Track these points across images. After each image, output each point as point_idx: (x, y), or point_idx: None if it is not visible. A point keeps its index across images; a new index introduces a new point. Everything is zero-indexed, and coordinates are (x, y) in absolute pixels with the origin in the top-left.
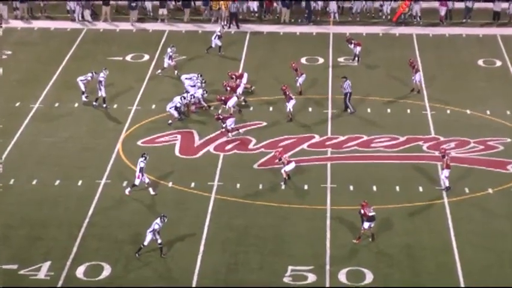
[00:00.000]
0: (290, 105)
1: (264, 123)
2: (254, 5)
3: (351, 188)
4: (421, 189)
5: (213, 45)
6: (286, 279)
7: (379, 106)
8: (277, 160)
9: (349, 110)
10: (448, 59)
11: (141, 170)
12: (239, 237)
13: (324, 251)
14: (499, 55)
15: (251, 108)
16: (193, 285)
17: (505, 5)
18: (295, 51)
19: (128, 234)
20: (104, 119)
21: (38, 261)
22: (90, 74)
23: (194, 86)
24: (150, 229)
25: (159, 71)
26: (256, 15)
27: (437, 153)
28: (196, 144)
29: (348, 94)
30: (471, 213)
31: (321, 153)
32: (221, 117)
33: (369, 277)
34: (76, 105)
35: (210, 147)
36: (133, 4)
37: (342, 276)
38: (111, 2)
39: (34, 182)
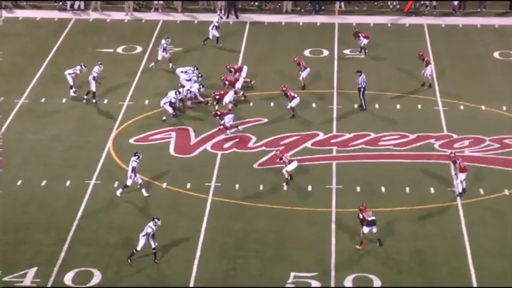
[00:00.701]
0: (293, 103)
1: (265, 120)
2: None
3: (358, 189)
4: (432, 190)
5: (211, 36)
6: (288, 286)
7: (388, 102)
8: (278, 160)
9: (362, 106)
10: (462, 51)
11: (133, 169)
12: (238, 241)
13: (329, 256)
14: None
15: (251, 104)
16: None
17: None
18: (298, 42)
19: (119, 238)
20: (93, 115)
21: (23, 267)
22: (78, 67)
23: (190, 80)
24: (143, 233)
25: (153, 63)
26: (257, 4)
27: (449, 152)
28: (192, 142)
29: (362, 89)
30: (486, 216)
31: (326, 151)
32: (219, 113)
33: (377, 284)
34: (64, 100)
35: (207, 146)
36: None
37: (348, 283)
38: None
39: (19, 183)
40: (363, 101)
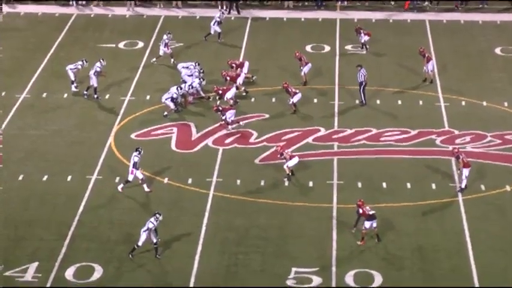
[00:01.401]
0: (295, 99)
1: (266, 116)
2: None
3: (359, 184)
4: (434, 186)
5: (212, 32)
6: (289, 282)
7: (390, 97)
8: (278, 155)
9: (362, 101)
10: (463, 47)
11: (134, 165)
12: (239, 237)
13: (330, 252)
14: None
15: (252, 100)
16: None
17: None
18: (299, 38)
19: (121, 233)
20: (95, 111)
21: (24, 262)
22: (80, 62)
23: (191, 75)
24: (144, 228)
25: (154, 59)
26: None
27: (451, 148)
28: (193, 138)
29: (363, 84)
30: (487, 212)
31: (327, 147)
32: (220, 108)
33: (378, 280)
34: (65, 95)
35: (209, 141)
36: None
37: (349, 279)
38: None
39: (20, 178)
40: (363, 97)
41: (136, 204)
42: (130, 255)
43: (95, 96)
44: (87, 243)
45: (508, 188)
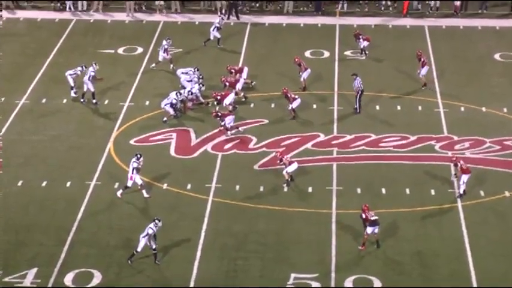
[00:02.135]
0: (294, 105)
1: (266, 121)
2: None
3: (358, 190)
4: (433, 192)
5: (212, 38)
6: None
7: (389, 103)
8: (278, 161)
9: (356, 109)
10: (463, 52)
11: (134, 170)
12: (238, 243)
13: (329, 258)
14: None
15: (252, 105)
16: None
17: None
18: (299, 43)
19: (120, 239)
20: (94, 116)
21: (23, 268)
22: (79, 68)
23: (191, 81)
24: (144, 234)
25: (153, 64)
26: (258, 5)
27: (450, 154)
28: (192, 143)
29: (360, 92)
30: (486, 217)
31: (326, 153)
32: (219, 114)
33: (377, 285)
34: (64, 101)
35: (208, 147)
36: None
37: (349, 284)
38: None
39: (19, 184)
40: (357, 104)
41: (135, 209)
42: (129, 261)
43: (94, 101)
44: (86, 248)
45: (507, 193)
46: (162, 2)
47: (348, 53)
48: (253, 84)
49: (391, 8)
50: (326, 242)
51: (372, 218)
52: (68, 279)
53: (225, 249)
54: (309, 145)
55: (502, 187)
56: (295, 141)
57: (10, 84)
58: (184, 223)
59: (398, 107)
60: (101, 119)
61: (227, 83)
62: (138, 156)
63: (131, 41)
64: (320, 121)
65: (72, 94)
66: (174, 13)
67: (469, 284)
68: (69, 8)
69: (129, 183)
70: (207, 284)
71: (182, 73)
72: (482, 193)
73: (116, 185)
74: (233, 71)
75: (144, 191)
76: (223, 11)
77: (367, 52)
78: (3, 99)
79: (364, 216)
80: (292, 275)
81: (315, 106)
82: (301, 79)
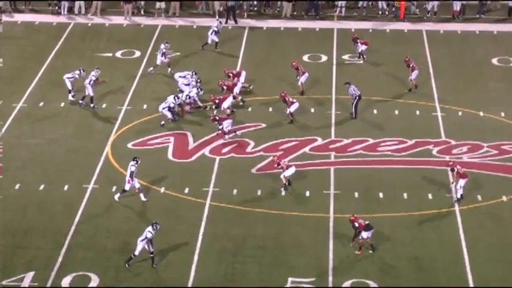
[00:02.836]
0: (292, 109)
1: (263, 125)
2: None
3: (356, 194)
4: (430, 196)
5: (209, 41)
6: None
7: (386, 107)
8: (275, 165)
9: (352, 114)
10: (460, 57)
11: (131, 174)
12: (236, 246)
13: (327, 262)
14: None
15: (249, 109)
16: None
17: None
18: (296, 47)
19: (117, 242)
20: (91, 120)
21: (21, 271)
22: (77, 71)
23: (188, 84)
24: (142, 237)
25: (151, 68)
26: (256, 8)
27: (447, 158)
28: (190, 147)
29: (357, 98)
30: (484, 222)
31: (324, 157)
32: (217, 118)
33: None
34: (62, 104)
35: (205, 150)
36: None
37: None
38: None
39: (17, 187)
40: (354, 110)
41: (133, 213)
42: (126, 265)
43: (92, 105)
44: (83, 252)
45: (504, 198)
46: (162, 5)
47: (345, 57)
48: (251, 88)
49: (387, 12)
50: (323, 246)
51: (366, 223)
52: (65, 282)
53: (222, 253)
54: (306, 149)
55: (500, 191)
56: (293, 145)
57: (8, 87)
58: (181, 227)
59: (396, 112)
60: (98, 123)
61: (225, 87)
62: (137, 160)
63: (129, 45)
64: (318, 125)
65: (70, 97)
66: (172, 17)
67: None
68: (68, 11)
69: (127, 187)
70: None
71: (180, 77)
72: (479, 197)
73: (114, 189)
74: (231, 74)
75: (141, 195)
76: (221, 15)
77: (365, 56)
78: (1, 102)
79: (357, 225)
80: (290, 279)
81: (312, 110)
82: (299, 83)
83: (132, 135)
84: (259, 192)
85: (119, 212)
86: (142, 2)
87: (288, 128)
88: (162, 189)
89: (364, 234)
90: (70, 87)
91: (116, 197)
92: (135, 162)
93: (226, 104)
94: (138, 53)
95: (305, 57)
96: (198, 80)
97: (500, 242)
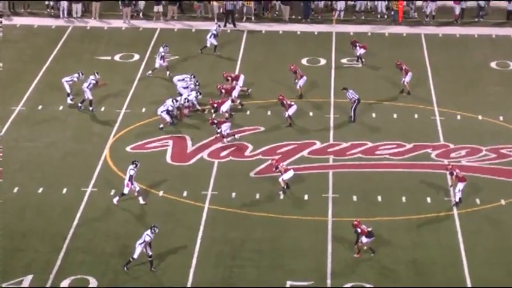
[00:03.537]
0: (290, 112)
1: (262, 128)
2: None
3: (354, 198)
4: (429, 200)
5: (208, 45)
6: None
7: (385, 111)
8: (274, 169)
9: (351, 118)
10: (459, 60)
11: (130, 178)
12: (234, 250)
13: (325, 265)
14: None
15: (248, 112)
16: None
17: None
18: (295, 51)
19: (116, 246)
20: (90, 123)
21: (19, 274)
22: (76, 75)
23: (187, 87)
24: (141, 241)
25: (150, 71)
26: (255, 12)
27: (446, 161)
28: (189, 151)
29: (356, 101)
30: (482, 225)
31: (323, 160)
32: (216, 121)
33: None
34: (61, 108)
35: (204, 154)
36: (127, 1)
37: None
38: None
39: (15, 190)
40: (353, 113)
41: (131, 216)
42: (125, 268)
43: (90, 108)
44: (82, 255)
45: (503, 202)
46: (161, 9)
47: (344, 60)
48: (249, 91)
49: (386, 16)
50: (322, 250)
51: (368, 230)
52: (64, 285)
53: (221, 256)
54: (305, 152)
55: (498, 195)
56: (292, 149)
57: (6, 90)
58: (180, 230)
59: (395, 115)
60: (97, 126)
61: (223, 90)
62: (136, 164)
63: (128, 48)
64: (316, 129)
65: (69, 101)
66: (171, 20)
67: None
68: (67, 14)
69: (126, 190)
70: None
71: (178, 80)
72: (478, 201)
73: (112, 192)
74: (229, 78)
75: (140, 198)
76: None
77: (363, 60)
78: None
79: (359, 230)
80: (288, 283)
81: (311, 114)
82: (297, 87)
83: (131, 139)
84: (257, 196)
85: (118, 216)
86: (142, 6)
87: (287, 131)
88: (161, 193)
89: (364, 240)
90: (69, 91)
91: (115, 200)
92: (134, 166)
93: (224, 108)
94: (136, 57)
95: (304, 61)
96: (197, 83)
97: (498, 245)
